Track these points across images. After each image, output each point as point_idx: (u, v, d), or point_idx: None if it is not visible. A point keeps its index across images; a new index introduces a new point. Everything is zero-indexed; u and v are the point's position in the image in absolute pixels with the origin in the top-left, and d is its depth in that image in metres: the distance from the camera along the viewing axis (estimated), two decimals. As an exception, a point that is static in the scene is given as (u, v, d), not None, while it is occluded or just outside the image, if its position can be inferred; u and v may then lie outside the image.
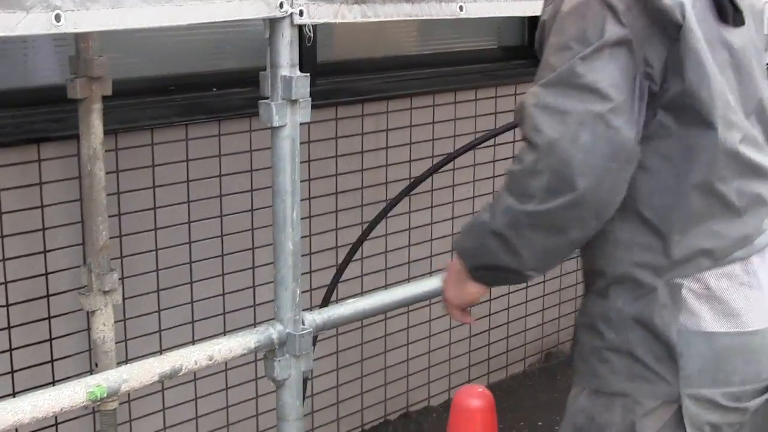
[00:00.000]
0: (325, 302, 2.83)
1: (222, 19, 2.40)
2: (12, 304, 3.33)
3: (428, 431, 4.61)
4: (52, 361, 3.46)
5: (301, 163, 2.63)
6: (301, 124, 2.58)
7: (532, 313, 5.20)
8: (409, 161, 4.46)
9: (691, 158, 2.05)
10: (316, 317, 2.76)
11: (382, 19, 2.72)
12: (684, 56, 2.01)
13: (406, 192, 3.91)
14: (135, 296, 3.58)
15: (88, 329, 3.36)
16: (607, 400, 2.17)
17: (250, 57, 4.01)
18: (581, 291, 2.37)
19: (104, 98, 3.12)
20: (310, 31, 2.57)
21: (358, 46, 4.56)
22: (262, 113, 2.55)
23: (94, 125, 3.10)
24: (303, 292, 2.76)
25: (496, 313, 4.96)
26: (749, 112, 2.14)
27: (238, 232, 3.86)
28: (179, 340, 3.68)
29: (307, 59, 3.43)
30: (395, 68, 4.59)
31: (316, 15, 2.55)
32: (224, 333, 3.80)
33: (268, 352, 2.70)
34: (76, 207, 3.39)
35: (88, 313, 3.28)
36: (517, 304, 5.09)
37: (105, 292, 3.20)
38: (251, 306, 3.96)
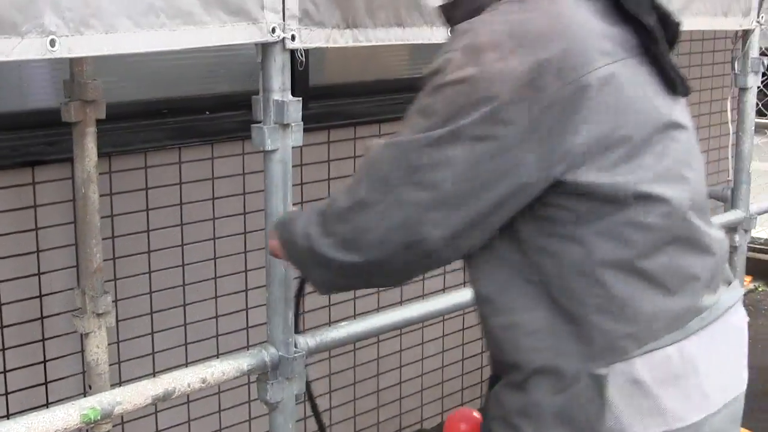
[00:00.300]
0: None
1: (215, 44, 2.42)
2: (6, 326, 3.35)
3: (421, 453, 4.62)
4: (46, 383, 3.46)
5: (293, 185, 2.65)
6: (293, 147, 2.60)
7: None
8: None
9: (602, 236, 1.88)
10: (308, 340, 2.78)
11: (373, 43, 2.75)
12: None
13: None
14: (128, 318, 3.59)
15: (82, 351, 3.37)
16: None
17: (242, 81, 4.03)
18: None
19: (98, 121, 3.14)
20: (302, 56, 2.60)
21: (350, 70, 4.60)
22: (254, 137, 2.57)
23: (89, 148, 3.12)
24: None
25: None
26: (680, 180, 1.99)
27: (230, 255, 3.88)
28: (172, 363, 3.69)
29: (299, 83, 3.45)
30: (387, 91, 4.62)
31: (308, 40, 2.58)
32: (217, 355, 3.81)
33: (261, 374, 2.71)
34: (70, 229, 3.41)
35: (81, 335, 3.29)
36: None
37: (99, 315, 3.21)
38: (244, 328, 3.97)
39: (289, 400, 2.72)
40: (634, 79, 1.90)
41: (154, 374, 3.64)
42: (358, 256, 1.96)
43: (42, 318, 3.42)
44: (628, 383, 1.91)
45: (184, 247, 3.74)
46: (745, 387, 2.12)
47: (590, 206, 1.87)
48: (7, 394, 3.38)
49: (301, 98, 2.58)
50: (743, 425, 2.16)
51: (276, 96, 2.54)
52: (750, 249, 5.27)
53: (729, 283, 2.10)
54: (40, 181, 3.37)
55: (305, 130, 2.62)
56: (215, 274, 3.85)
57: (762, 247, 7.43)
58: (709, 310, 1.99)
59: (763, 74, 4.48)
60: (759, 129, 6.35)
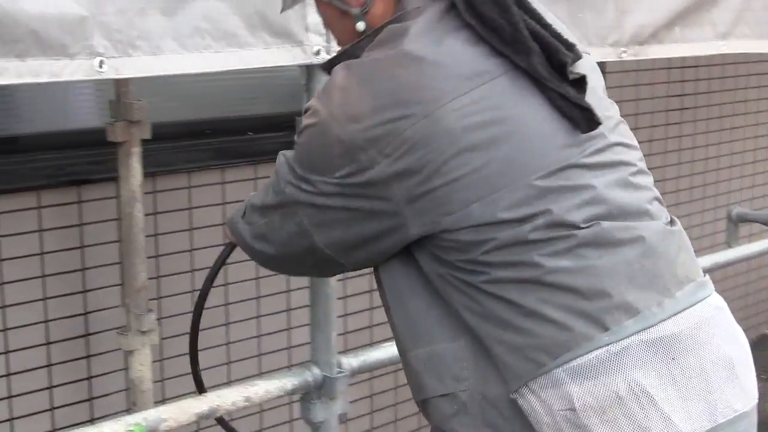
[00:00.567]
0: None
1: (259, 66, 2.45)
2: (52, 342, 3.38)
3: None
4: (91, 399, 3.50)
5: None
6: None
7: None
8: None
9: (496, 256, 1.84)
10: (351, 360, 2.80)
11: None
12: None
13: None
14: (172, 336, 3.62)
15: (126, 368, 3.39)
16: None
17: (285, 102, 4.05)
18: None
19: (143, 141, 3.17)
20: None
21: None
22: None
23: (134, 168, 3.15)
24: (338, 335, 2.79)
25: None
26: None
27: (273, 275, 3.90)
28: (215, 381, 3.71)
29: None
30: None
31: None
32: (259, 374, 3.83)
33: (305, 394, 2.73)
34: (115, 248, 3.44)
35: (126, 352, 3.32)
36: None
37: (143, 332, 3.24)
38: (287, 348, 3.99)
39: (332, 420, 2.73)
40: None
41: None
42: (271, 249, 2.07)
43: (87, 335, 3.46)
44: (551, 397, 1.81)
45: (228, 266, 3.76)
46: (746, 408, 1.92)
47: (473, 234, 1.84)
48: (53, 409, 3.42)
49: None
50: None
51: (319, 117, 2.55)
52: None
53: (692, 281, 1.94)
54: (86, 200, 3.40)
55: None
56: (258, 294, 3.87)
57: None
58: (655, 309, 1.84)
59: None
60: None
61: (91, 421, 3.47)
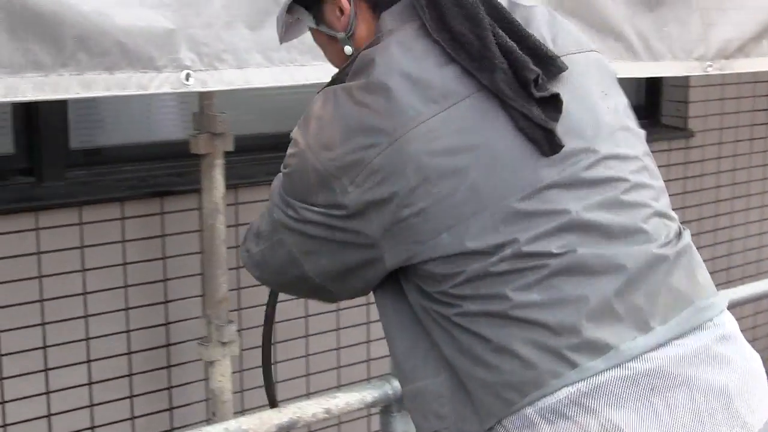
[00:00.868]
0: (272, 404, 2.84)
1: (344, 79, 2.45)
2: (134, 352, 3.42)
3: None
4: (170, 408, 3.52)
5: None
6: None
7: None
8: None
9: (467, 289, 1.77)
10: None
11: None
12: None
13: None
14: (252, 348, 3.63)
15: (207, 379, 3.42)
16: None
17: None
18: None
19: (225, 154, 3.20)
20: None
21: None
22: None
23: (216, 180, 3.18)
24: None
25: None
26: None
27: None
28: (294, 393, 3.73)
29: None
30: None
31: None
32: (338, 387, 3.83)
33: (384, 407, 2.72)
34: (197, 259, 3.47)
35: (206, 363, 3.34)
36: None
37: (223, 344, 3.26)
38: (366, 361, 3.99)
39: (411, 433, 2.72)
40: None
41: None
42: (271, 277, 2.06)
43: (168, 345, 3.49)
44: None
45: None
46: None
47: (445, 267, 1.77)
48: (133, 418, 3.45)
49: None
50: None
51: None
52: None
53: (689, 306, 1.81)
54: (169, 212, 3.44)
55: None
56: (338, 306, 3.88)
57: None
58: (630, 344, 1.72)
59: None
60: None
61: (171, 431, 3.49)
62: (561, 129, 1.77)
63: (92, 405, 3.38)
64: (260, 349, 3.22)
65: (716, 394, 1.75)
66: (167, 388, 3.52)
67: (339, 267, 1.89)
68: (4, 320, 3.18)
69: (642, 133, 1.95)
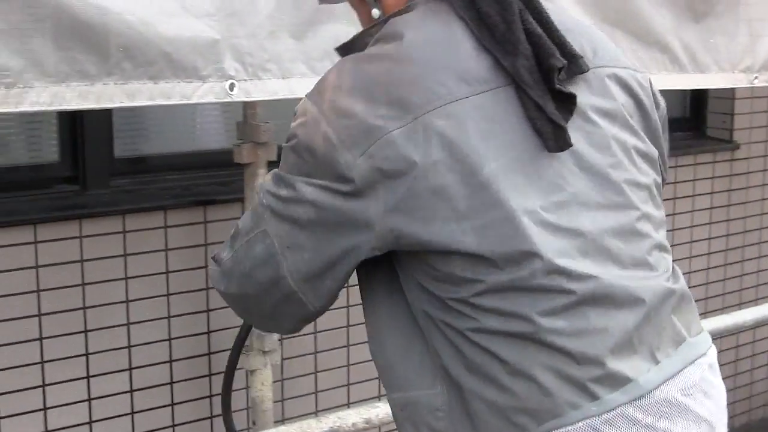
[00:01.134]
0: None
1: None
2: (175, 360, 3.43)
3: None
4: (211, 417, 3.53)
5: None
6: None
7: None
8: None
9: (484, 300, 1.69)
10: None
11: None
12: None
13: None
14: (293, 357, 3.64)
15: (247, 388, 3.43)
16: None
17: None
18: None
19: (269, 163, 3.20)
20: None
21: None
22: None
23: (259, 189, 3.18)
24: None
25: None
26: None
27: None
28: (334, 402, 3.73)
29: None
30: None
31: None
32: (378, 397, 3.83)
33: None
34: (239, 268, 3.47)
35: (247, 372, 3.34)
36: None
37: (265, 353, 3.26)
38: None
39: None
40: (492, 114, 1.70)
41: (316, 413, 3.68)
42: (233, 287, 1.86)
43: (210, 354, 3.50)
44: None
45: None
46: None
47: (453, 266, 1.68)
48: (174, 426, 3.47)
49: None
50: None
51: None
52: None
53: (683, 341, 1.79)
54: (212, 221, 3.45)
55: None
56: (378, 316, 3.87)
57: None
58: (644, 377, 1.70)
59: None
60: None
61: (212, 439, 3.51)
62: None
63: (133, 412, 3.40)
64: (303, 358, 3.23)
65: (705, 424, 1.76)
66: (208, 397, 3.53)
67: (321, 261, 1.74)
68: (48, 327, 3.20)
69: (656, 154, 1.89)
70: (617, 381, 1.68)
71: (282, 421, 3.57)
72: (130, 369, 3.37)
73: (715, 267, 5.10)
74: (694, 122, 5.19)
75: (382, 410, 2.61)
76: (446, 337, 1.72)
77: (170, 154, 3.60)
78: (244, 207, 3.25)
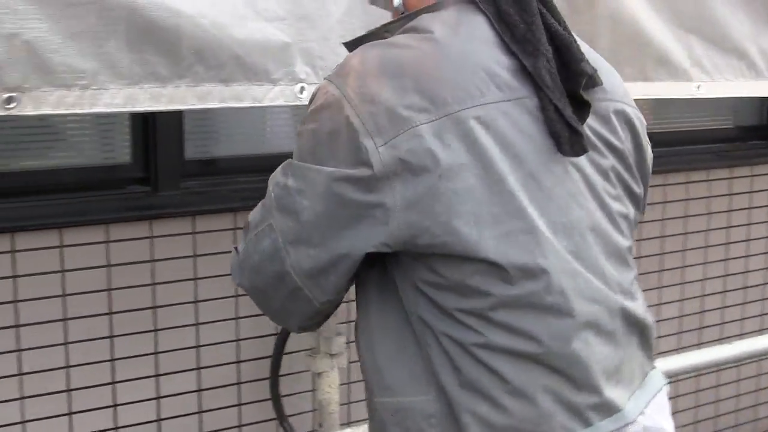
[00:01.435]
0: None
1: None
2: (243, 361, 3.45)
3: None
4: (278, 418, 3.55)
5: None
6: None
7: None
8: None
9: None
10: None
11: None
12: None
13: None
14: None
15: (314, 390, 3.43)
16: None
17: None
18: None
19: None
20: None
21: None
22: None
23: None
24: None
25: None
26: None
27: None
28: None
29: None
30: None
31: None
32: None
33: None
34: (307, 271, 3.48)
35: (314, 374, 3.35)
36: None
37: (332, 355, 3.26)
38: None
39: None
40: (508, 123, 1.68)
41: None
42: (246, 280, 1.85)
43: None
44: None
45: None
46: None
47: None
48: (241, 426, 3.48)
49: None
50: None
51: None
52: None
53: (645, 375, 1.86)
54: (281, 223, 3.46)
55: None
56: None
57: None
58: (626, 409, 1.75)
59: None
60: None
61: (278, 440, 3.52)
62: None
63: (201, 411, 3.42)
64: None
65: None
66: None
67: (325, 256, 1.71)
68: (118, 326, 3.23)
69: (641, 194, 1.90)
70: (610, 409, 1.71)
71: (348, 423, 3.57)
72: (198, 369, 3.39)
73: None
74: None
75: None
76: (443, 348, 1.69)
77: (240, 156, 3.61)
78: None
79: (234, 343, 3.43)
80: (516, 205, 1.64)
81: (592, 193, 1.75)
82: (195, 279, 3.34)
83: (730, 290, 4.69)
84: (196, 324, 3.36)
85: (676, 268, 4.53)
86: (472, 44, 1.71)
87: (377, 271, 1.78)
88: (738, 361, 4.05)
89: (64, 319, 3.16)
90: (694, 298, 4.54)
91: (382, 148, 1.62)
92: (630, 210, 1.84)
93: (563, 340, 1.66)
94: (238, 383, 3.46)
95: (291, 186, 1.71)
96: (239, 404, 3.47)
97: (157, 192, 3.38)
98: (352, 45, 1.84)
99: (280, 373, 3.43)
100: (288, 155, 3.48)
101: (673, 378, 4.36)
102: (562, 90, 1.69)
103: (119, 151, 3.39)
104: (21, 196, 3.16)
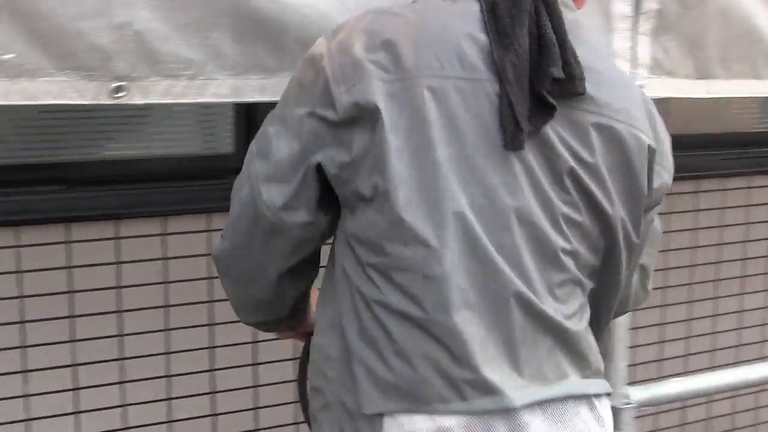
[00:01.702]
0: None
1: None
2: (297, 358, 3.41)
3: None
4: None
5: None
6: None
7: None
8: (745, 242, 4.33)
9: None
10: (640, 393, 2.74)
11: (725, 95, 2.67)
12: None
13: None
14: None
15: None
16: None
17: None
18: None
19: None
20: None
21: (693, 121, 4.47)
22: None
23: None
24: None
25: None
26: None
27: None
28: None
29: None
30: (733, 145, 4.46)
31: (658, 90, 2.53)
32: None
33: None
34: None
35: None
36: None
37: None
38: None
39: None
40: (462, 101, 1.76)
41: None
42: (227, 243, 1.97)
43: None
44: None
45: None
46: None
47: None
48: (297, 423, 3.50)
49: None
50: None
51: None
52: None
53: (560, 378, 1.83)
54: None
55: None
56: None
57: None
58: (510, 394, 1.74)
59: None
60: None
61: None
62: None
63: (257, 408, 3.45)
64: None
65: None
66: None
67: (292, 191, 1.85)
68: (219, 314, 3.26)
69: (617, 218, 1.87)
70: (486, 389, 1.73)
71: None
72: (255, 364, 3.42)
73: None
74: None
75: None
76: (353, 300, 1.81)
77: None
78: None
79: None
80: (436, 175, 1.73)
81: (534, 190, 1.78)
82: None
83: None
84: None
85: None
86: (454, 22, 1.81)
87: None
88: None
89: (166, 306, 3.21)
90: (730, 314, 4.41)
91: (345, 95, 1.76)
92: (585, 220, 1.83)
93: (445, 312, 1.73)
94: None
95: (270, 132, 1.87)
96: (295, 401, 3.43)
97: (260, 182, 3.40)
98: None
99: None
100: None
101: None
102: (525, 87, 1.76)
103: (221, 140, 3.43)
104: (125, 184, 3.20)
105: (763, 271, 4.39)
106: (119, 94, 2.08)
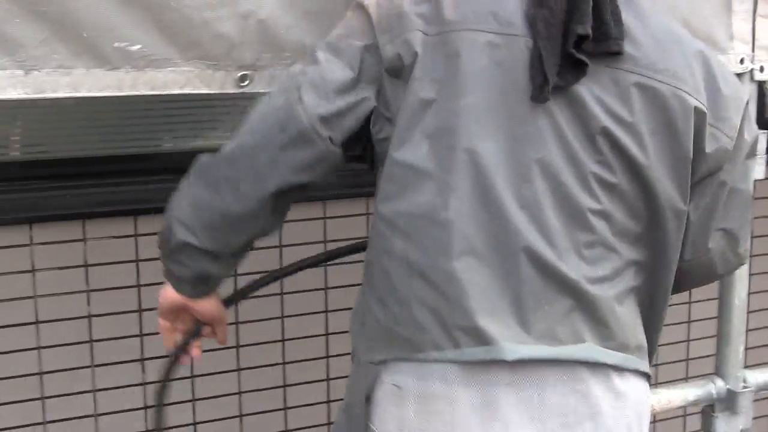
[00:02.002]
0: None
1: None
2: (332, 356, 3.45)
3: None
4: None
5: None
6: (756, 180, 2.54)
7: None
8: None
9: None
10: (758, 376, 2.72)
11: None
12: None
13: None
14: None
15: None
16: None
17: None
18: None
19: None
20: None
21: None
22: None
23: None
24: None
25: None
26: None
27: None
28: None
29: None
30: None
31: (777, 72, 2.52)
32: (655, 384, 3.78)
33: (706, 407, 2.68)
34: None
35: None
36: None
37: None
38: (684, 360, 3.93)
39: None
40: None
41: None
42: (232, 144, 1.89)
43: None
44: (390, 390, 1.82)
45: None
46: None
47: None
48: (328, 424, 3.45)
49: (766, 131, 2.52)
50: None
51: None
52: None
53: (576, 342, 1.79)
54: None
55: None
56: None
57: None
58: (490, 347, 1.73)
59: None
60: None
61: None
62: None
63: (286, 408, 3.43)
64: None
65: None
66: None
67: (339, 106, 1.86)
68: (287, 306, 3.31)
69: (658, 179, 1.83)
70: (480, 338, 1.72)
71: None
72: (284, 364, 3.39)
73: None
74: None
75: (663, 396, 2.61)
76: (373, 260, 1.85)
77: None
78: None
79: (323, 337, 3.42)
80: (457, 122, 1.76)
81: (560, 144, 1.77)
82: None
83: None
84: (282, 317, 3.37)
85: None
86: None
87: None
88: None
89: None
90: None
91: (388, 45, 1.82)
92: (621, 182, 1.80)
93: (446, 256, 1.73)
94: (327, 379, 3.45)
95: (320, 57, 1.88)
96: (328, 401, 3.47)
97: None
98: None
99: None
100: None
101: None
102: (557, 43, 1.76)
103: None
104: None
105: None
106: (244, 83, 2.10)
